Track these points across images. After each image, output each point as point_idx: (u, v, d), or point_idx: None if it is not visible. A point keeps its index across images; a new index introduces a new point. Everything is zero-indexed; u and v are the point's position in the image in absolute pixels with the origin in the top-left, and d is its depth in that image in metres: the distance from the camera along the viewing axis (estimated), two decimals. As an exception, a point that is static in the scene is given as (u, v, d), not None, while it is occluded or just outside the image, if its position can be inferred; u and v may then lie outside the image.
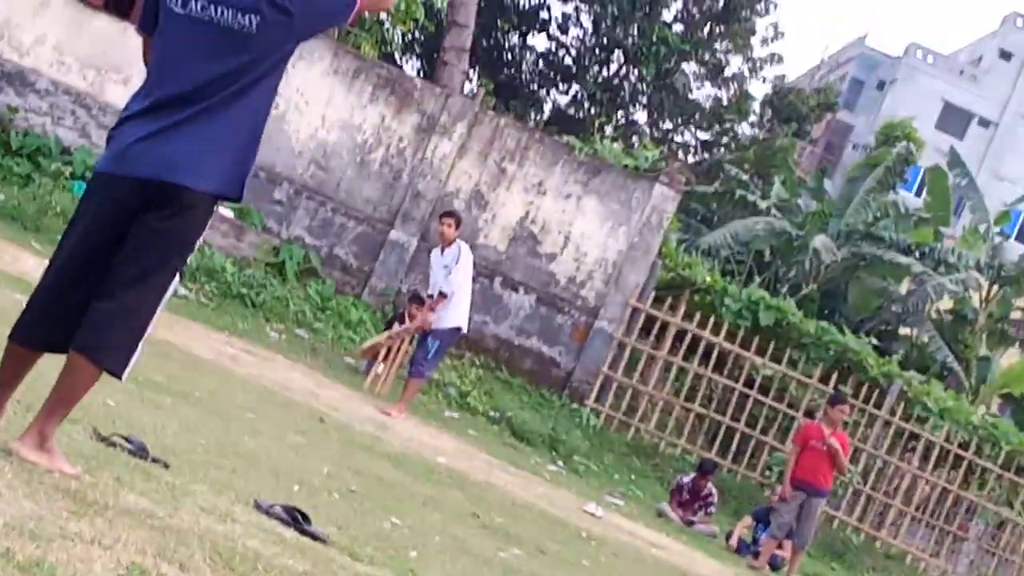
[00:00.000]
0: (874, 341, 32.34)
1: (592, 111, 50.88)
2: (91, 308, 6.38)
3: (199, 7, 6.36)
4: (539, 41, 52.70)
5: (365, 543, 8.23)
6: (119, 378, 6.60)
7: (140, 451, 7.83)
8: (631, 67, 50.80)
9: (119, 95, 25.57)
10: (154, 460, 7.82)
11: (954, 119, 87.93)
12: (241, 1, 6.35)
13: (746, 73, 52.99)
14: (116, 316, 6.41)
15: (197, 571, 5.73)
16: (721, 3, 51.24)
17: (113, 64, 25.86)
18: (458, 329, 19.34)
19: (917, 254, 38.79)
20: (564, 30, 52.12)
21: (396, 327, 21.50)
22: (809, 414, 26.48)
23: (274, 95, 6.72)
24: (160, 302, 6.60)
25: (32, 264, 17.66)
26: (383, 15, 38.71)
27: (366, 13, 6.57)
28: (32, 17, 25.82)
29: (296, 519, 7.71)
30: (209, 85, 6.39)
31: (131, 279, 6.40)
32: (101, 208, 6.46)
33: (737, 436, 27.87)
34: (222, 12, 6.34)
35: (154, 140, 6.33)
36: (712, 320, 27.79)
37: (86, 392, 6.62)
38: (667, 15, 50.84)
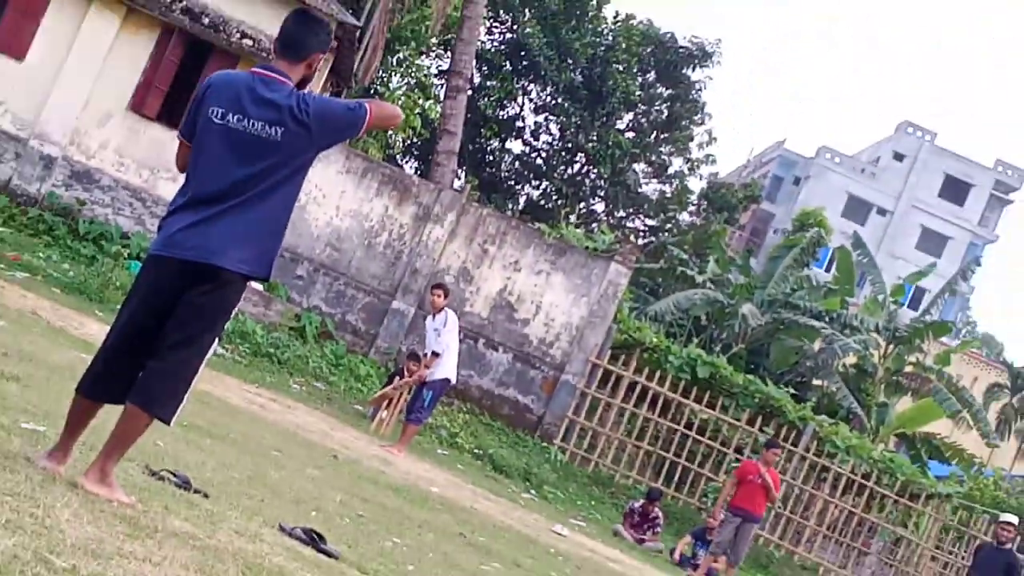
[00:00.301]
0: (792, 391, 32.41)
1: (559, 202, 50.97)
2: (146, 367, 6.45)
3: (235, 119, 6.43)
4: (515, 145, 52.85)
5: (371, 559, 8.21)
6: (168, 424, 6.63)
7: (184, 484, 7.80)
8: (591, 167, 50.92)
9: (169, 190, 25.59)
10: (196, 491, 7.79)
11: (857, 209, 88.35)
12: (268, 116, 6.43)
13: (685, 171, 53.21)
14: (166, 374, 6.45)
15: (231, 583, 5.71)
16: (665, 115, 51.50)
17: (164, 164, 25.85)
18: (447, 380, 19.33)
19: (827, 319, 38.87)
20: (536, 136, 52.26)
21: (398, 380, 21.54)
22: (755, 452, 26.50)
23: (297, 194, 6.71)
24: (202, 361, 6.64)
25: (95, 329, 17.62)
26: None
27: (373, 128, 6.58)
28: (97, 127, 25.86)
29: (314, 539, 7.69)
30: (242, 184, 6.45)
31: (178, 343, 6.45)
32: (153, 284, 6.53)
33: (679, 469, 27.89)
34: (253, 124, 6.42)
35: (196, 229, 6.39)
36: (658, 374, 27.89)
37: (140, 436, 6.63)
38: (620, 124, 51.02)
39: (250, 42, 25.79)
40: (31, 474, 6.25)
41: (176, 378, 6.50)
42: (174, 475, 7.87)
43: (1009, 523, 18.93)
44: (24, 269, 21.56)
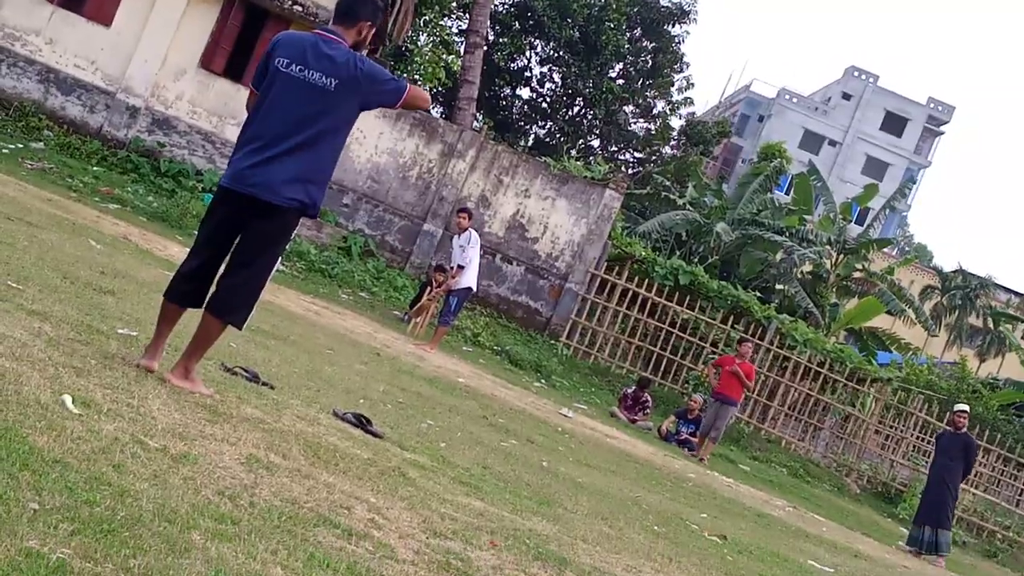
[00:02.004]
0: (758, 294, 32.37)
1: (561, 140, 50.76)
2: (219, 282, 6.56)
3: (297, 69, 6.45)
4: (524, 92, 52.54)
5: (410, 438, 8.26)
6: (239, 329, 6.73)
7: (254, 377, 7.85)
8: (588, 109, 50.64)
9: (234, 134, 25.53)
10: (263, 383, 7.85)
11: (811, 141, 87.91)
12: (326, 68, 6.45)
13: (667, 112, 52.83)
14: (236, 288, 6.55)
15: (294, 459, 5.76)
16: (650, 64, 51.12)
17: (230, 112, 25.80)
18: (469, 289, 19.25)
19: (787, 234, 38.79)
20: (541, 84, 51.94)
21: (429, 290, 21.57)
22: (728, 346, 26.56)
23: (342, 146, 6.70)
24: (267, 277, 6.70)
25: (176, 251, 17.62)
26: (416, 76, 38.67)
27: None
28: (173, 81, 25.76)
29: (362, 422, 7.75)
30: (299, 124, 6.43)
31: (246, 262, 6.54)
32: (223, 211, 6.57)
33: (664, 361, 27.96)
34: (312, 73, 6.44)
35: (258, 168, 6.41)
36: (647, 282, 27.90)
37: (216, 340, 6.71)
38: (612, 73, 50.69)
39: (300, 8, 25.61)
40: (127, 371, 6.29)
41: (245, 291, 6.59)
42: (245, 370, 7.92)
43: (963, 411, 19.00)
44: (116, 201, 21.57)
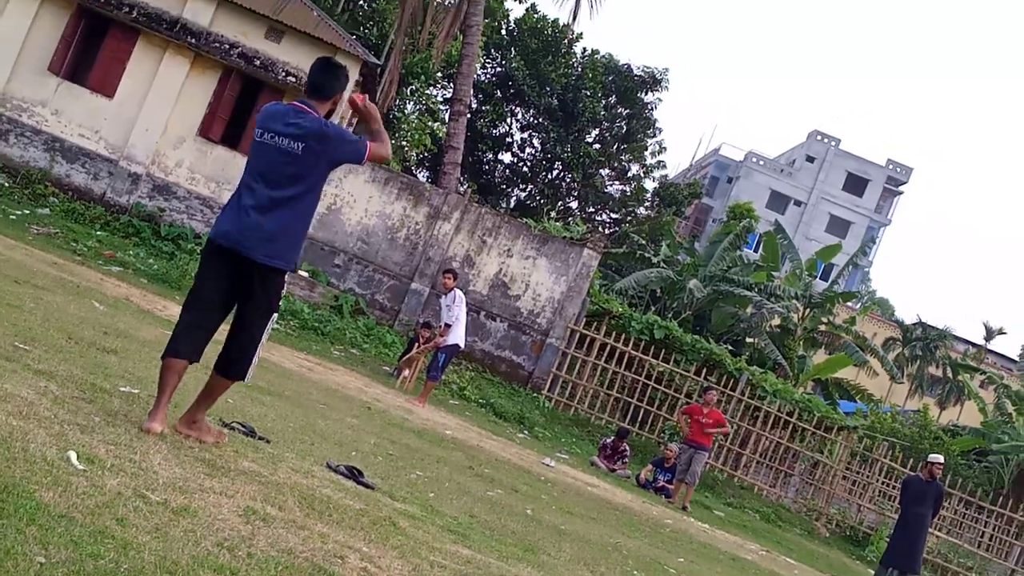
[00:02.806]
0: (729, 347, 32.46)
1: (541, 201, 50.94)
2: (226, 343, 6.78)
3: (269, 136, 6.63)
4: (505, 157, 52.74)
5: (400, 488, 8.22)
6: (243, 381, 6.88)
7: (250, 432, 7.83)
8: (566, 172, 50.87)
9: (228, 196, 25.56)
10: (260, 438, 7.82)
11: (778, 201, 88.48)
12: (293, 134, 6.59)
13: (641, 174, 53.10)
14: (238, 346, 6.77)
15: (290, 511, 5.73)
16: (624, 130, 51.43)
17: (227, 178, 25.87)
18: (456, 346, 19.22)
19: (756, 290, 38.87)
20: (522, 149, 52.14)
21: (416, 345, 21.51)
22: (700, 397, 26.56)
23: (315, 206, 6.82)
24: (264, 334, 6.84)
25: (176, 311, 17.58)
26: (403, 142, 38.82)
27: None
28: (173, 149, 25.84)
29: (354, 474, 7.72)
30: (273, 189, 6.59)
31: (242, 324, 6.76)
32: (208, 264, 6.73)
33: (641, 411, 27.90)
34: (280, 139, 6.59)
35: (240, 225, 6.56)
36: (624, 336, 27.88)
37: (221, 395, 6.95)
38: (589, 138, 50.96)
39: (294, 79, 25.75)
40: (129, 427, 6.27)
41: (245, 348, 6.76)
42: (242, 425, 7.90)
43: (939, 462, 18.86)
44: (118, 264, 21.54)
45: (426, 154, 46.59)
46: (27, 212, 23.15)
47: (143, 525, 4.47)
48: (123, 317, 13.13)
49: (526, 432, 23.09)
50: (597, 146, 51.10)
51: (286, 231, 6.60)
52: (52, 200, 24.52)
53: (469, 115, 38.88)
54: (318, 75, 6.92)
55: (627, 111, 51.68)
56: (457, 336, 19.11)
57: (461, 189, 36.71)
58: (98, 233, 23.64)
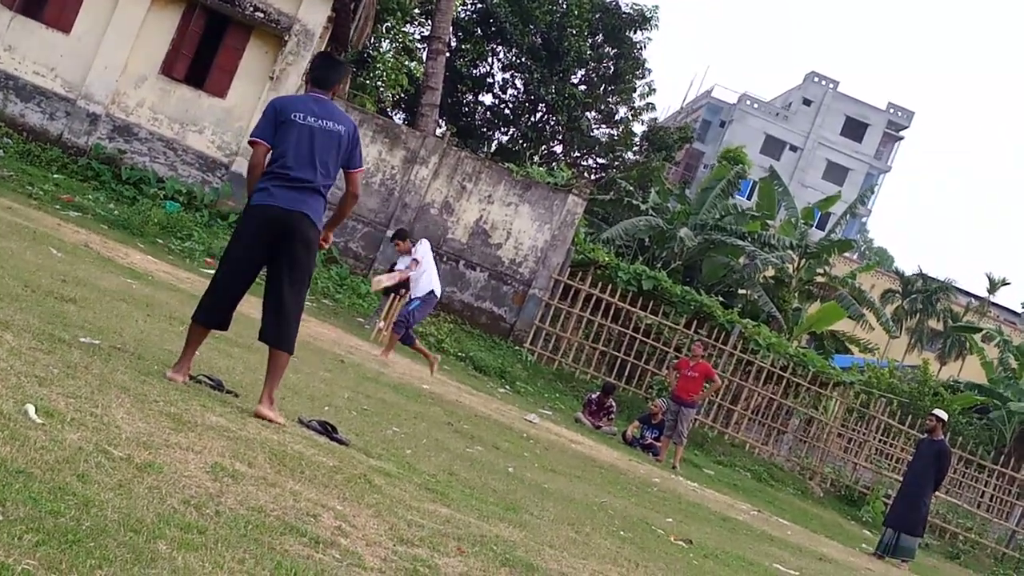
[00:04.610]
0: (721, 299, 32.56)
1: (524, 146, 50.76)
2: (272, 316, 7.44)
3: (313, 119, 7.49)
4: (487, 98, 52.47)
5: (375, 445, 8.25)
6: (290, 354, 7.53)
7: (218, 385, 7.85)
8: (550, 115, 50.69)
9: (196, 141, 25.56)
10: (228, 391, 7.84)
11: (772, 146, 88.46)
12: (337, 118, 7.58)
13: (630, 117, 52.91)
14: (288, 319, 7.48)
15: (260, 467, 5.74)
16: (612, 70, 51.21)
17: (191, 119, 25.72)
18: (432, 293, 18.62)
19: (749, 239, 38.92)
20: (504, 90, 51.90)
21: (393, 297, 21.09)
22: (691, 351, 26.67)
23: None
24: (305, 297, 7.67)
25: (138, 258, 17.55)
26: (378, 83, 38.61)
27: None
28: (134, 88, 25.65)
29: (327, 430, 7.75)
30: (323, 168, 7.48)
31: (290, 293, 7.43)
32: (255, 230, 7.40)
33: (628, 366, 28.01)
34: (326, 123, 7.52)
35: (294, 190, 7.38)
36: (610, 287, 27.94)
37: (285, 368, 7.55)
38: (574, 79, 50.76)
39: (262, 15, 25.54)
40: (90, 380, 6.25)
41: (296, 320, 7.56)
42: (209, 379, 7.90)
43: (933, 415, 18.99)
44: (76, 209, 21.44)
45: (402, 95, 46.30)
46: (-21, 154, 22.98)
47: (105, 482, 4.46)
48: (82, 265, 13.08)
49: (507, 387, 23.17)
50: (583, 87, 50.87)
51: (324, 204, 7.57)
52: (5, 141, 24.32)
53: (448, 54, 38.74)
54: (321, 69, 7.79)
55: (615, 51, 51.42)
56: (431, 282, 18.50)
57: (439, 132, 36.59)
58: (55, 176, 23.51)
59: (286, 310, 7.42)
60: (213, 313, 7.51)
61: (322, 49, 27.50)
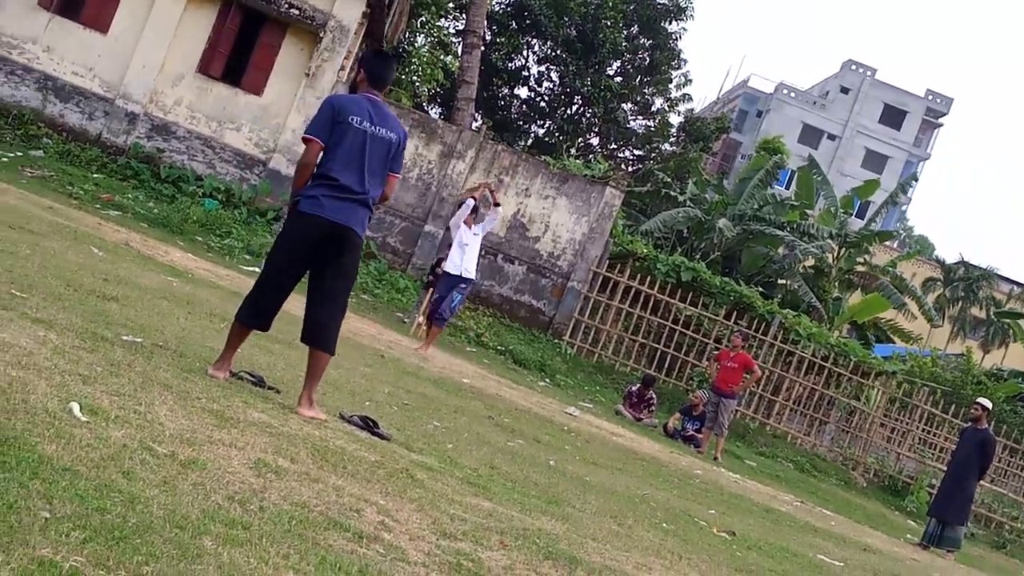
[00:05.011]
0: (761, 289, 32.44)
1: (560, 138, 50.72)
2: (316, 317, 7.47)
3: (369, 125, 7.50)
4: (522, 92, 52.45)
5: (416, 440, 8.26)
6: (332, 355, 7.55)
7: (259, 382, 7.88)
8: (586, 107, 50.60)
9: (233, 138, 25.64)
10: (269, 388, 7.87)
11: (810, 135, 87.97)
12: (391, 126, 7.62)
13: (666, 108, 52.75)
14: (333, 321, 7.52)
15: (302, 463, 5.75)
16: (647, 61, 51.06)
17: (228, 117, 25.83)
18: (471, 281, 18.24)
19: (789, 229, 38.74)
20: (539, 83, 51.87)
21: (431, 292, 21.17)
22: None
23: None
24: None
25: (178, 256, 17.65)
26: (414, 77, 38.63)
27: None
28: (172, 87, 25.77)
29: (369, 425, 7.76)
30: (371, 177, 7.50)
31: (335, 295, 7.49)
32: (303, 235, 7.39)
33: (668, 358, 27.94)
34: (380, 129, 7.55)
35: (345, 202, 7.40)
36: (649, 279, 27.88)
37: (325, 369, 7.56)
38: (610, 71, 50.64)
39: (297, 11, 25.62)
40: (133, 377, 6.29)
41: (336, 322, 7.55)
42: (251, 375, 7.93)
43: (978, 403, 18.76)
44: (116, 208, 21.59)
45: (438, 90, 46.29)
46: (19, 154, 23.17)
47: (150, 479, 4.49)
48: (123, 263, 13.16)
49: (547, 380, 23.16)
50: (619, 79, 50.75)
51: (373, 210, 7.63)
52: (46, 141, 24.51)
53: (483, 48, 38.70)
54: (380, 68, 7.81)
55: (650, 42, 51.27)
56: (453, 264, 18.15)
57: (476, 126, 36.62)
58: (95, 176, 23.67)
59: (329, 313, 7.47)
60: (256, 314, 7.53)
61: (358, 45, 27.58)
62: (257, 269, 19.22)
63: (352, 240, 7.43)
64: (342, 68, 26.31)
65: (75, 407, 5.09)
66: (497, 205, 18.31)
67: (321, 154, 7.43)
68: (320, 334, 7.44)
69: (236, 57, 26.15)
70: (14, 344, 5.97)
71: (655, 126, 52.34)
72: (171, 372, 6.87)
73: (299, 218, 7.40)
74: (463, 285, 17.94)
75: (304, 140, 7.50)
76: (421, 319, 21.07)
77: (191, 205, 23.61)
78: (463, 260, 17.88)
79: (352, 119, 7.44)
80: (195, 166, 25.71)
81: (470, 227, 18.08)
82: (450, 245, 18.32)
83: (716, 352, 24.11)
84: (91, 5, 25.67)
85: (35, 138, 24.59)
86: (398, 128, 7.67)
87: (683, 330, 27.96)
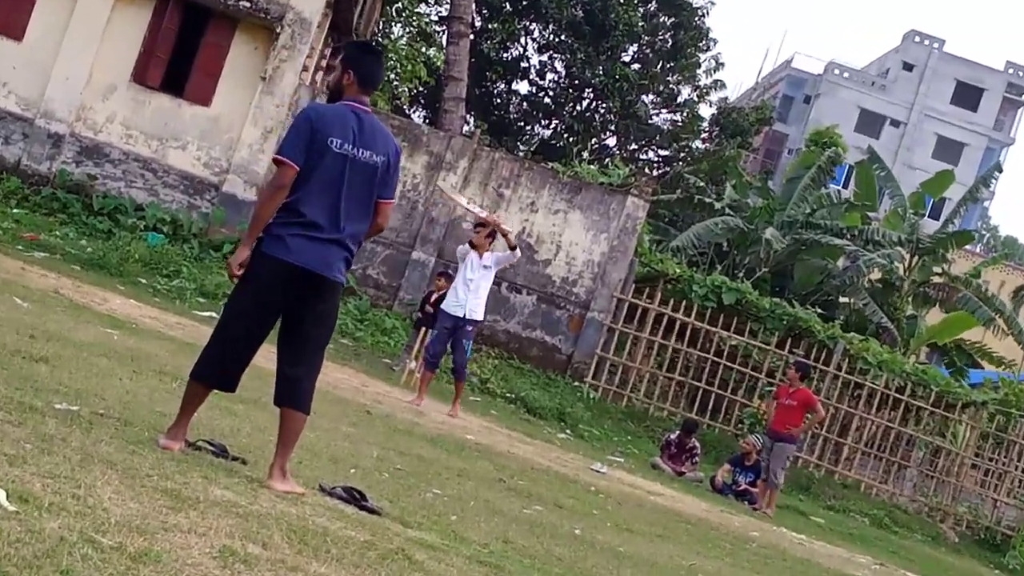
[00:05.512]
0: (819, 310, 32.42)
1: (570, 140, 50.88)
2: (290, 373, 7.45)
3: (355, 149, 7.42)
4: (522, 86, 52.66)
5: (413, 512, 8.24)
6: (308, 413, 7.56)
7: (221, 452, 7.86)
8: (599, 102, 50.78)
9: (178, 158, 25.75)
10: (234, 458, 7.85)
11: (870, 122, 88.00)
12: (379, 147, 7.54)
13: (695, 99, 52.96)
14: (309, 377, 7.52)
15: (277, 548, 5.73)
16: (670, 44, 51.22)
17: (172, 133, 25.91)
18: (478, 322, 18.42)
19: (848, 236, 38.75)
20: (542, 76, 52.07)
21: (423, 331, 21.29)
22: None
23: None
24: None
25: (119, 303, 17.64)
26: (391, 75, 38.76)
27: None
28: (102, 100, 25.86)
29: (355, 497, 7.74)
30: (356, 208, 7.49)
31: (312, 348, 7.53)
32: (270, 284, 7.35)
33: (712, 397, 27.92)
34: (366, 154, 7.46)
35: (316, 244, 7.35)
36: (684, 304, 27.87)
37: (301, 431, 7.53)
38: (626, 56, 50.77)
39: (247, 4, 25.69)
40: (69, 454, 6.27)
41: (313, 378, 7.57)
42: (211, 444, 7.91)
43: None
44: (42, 248, 21.63)
45: (421, 88, 46.45)
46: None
47: (94, 577, 4.46)
48: (53, 315, 13.17)
49: (568, 431, 23.13)
50: (636, 67, 50.90)
51: (356, 247, 7.67)
52: (-46, 173, 24.58)
53: (472, 37, 38.84)
54: (372, 66, 7.79)
55: (672, 20, 51.42)
56: (456, 302, 18.01)
57: (468, 130, 36.71)
58: (15, 211, 23.71)
59: (303, 369, 7.47)
60: (219, 372, 7.49)
61: (322, 41, 27.67)
62: (213, 314, 19.11)
63: (327, 287, 7.44)
64: (304, 69, 26.39)
65: (1, 495, 5.07)
66: (513, 248, 18.30)
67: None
68: (292, 392, 7.43)
69: (177, 62, 26.22)
70: (-76, 421, 5.96)
71: (683, 120, 52.49)
72: (115, 445, 6.85)
73: (262, 260, 7.35)
74: (468, 328, 17.91)
75: (276, 162, 7.45)
76: (413, 365, 21.06)
77: (131, 241, 23.64)
78: (468, 297, 17.88)
79: (331, 141, 7.35)
80: (134, 194, 25.75)
81: (480, 256, 18.01)
82: (442, 274, 18.38)
83: (773, 388, 24.06)
84: (1, 8, 25.73)
85: (-59, 170, 24.66)
86: (389, 146, 7.62)
87: (728, 363, 27.92)
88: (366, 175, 7.46)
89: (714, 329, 27.76)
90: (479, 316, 18.17)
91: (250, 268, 7.41)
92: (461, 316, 17.80)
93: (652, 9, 51.07)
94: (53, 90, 25.66)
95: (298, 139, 7.36)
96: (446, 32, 37.97)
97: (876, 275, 42.07)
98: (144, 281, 22.12)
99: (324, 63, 30.23)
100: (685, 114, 52.68)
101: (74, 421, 7.29)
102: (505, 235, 18.25)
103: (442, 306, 18.28)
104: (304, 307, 7.39)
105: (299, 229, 7.30)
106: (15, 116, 25.63)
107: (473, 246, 18.18)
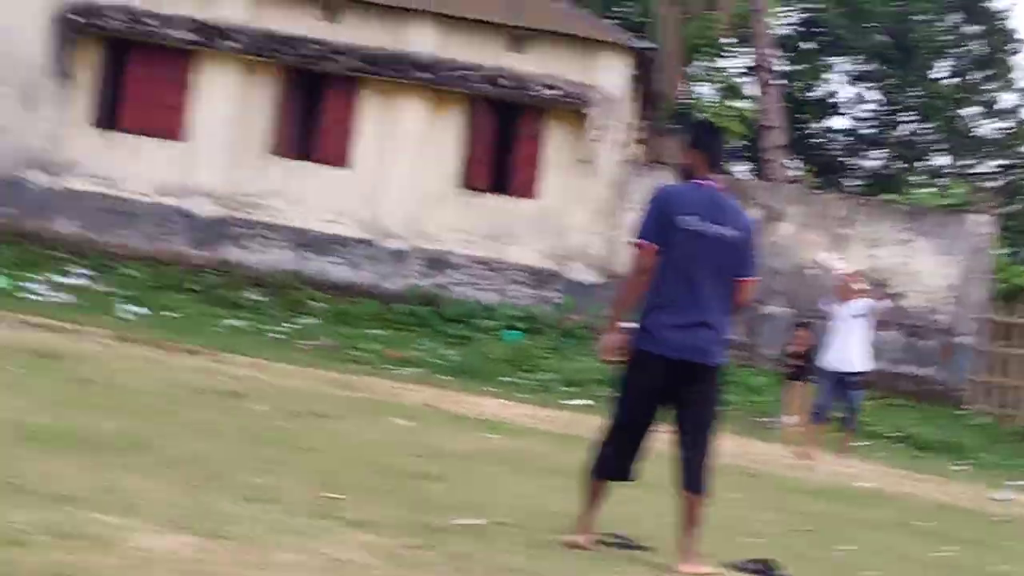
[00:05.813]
0: None
1: (899, 167, 49.89)
2: (681, 455, 7.45)
3: (704, 224, 7.33)
4: (836, 122, 51.93)
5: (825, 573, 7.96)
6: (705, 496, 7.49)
7: (625, 542, 7.82)
8: (920, 123, 49.69)
9: (517, 254, 25.96)
10: (639, 547, 7.80)
11: None
12: (734, 223, 7.44)
13: (1020, 102, 51.28)
14: (704, 458, 7.44)
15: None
16: (982, 52, 49.80)
17: (504, 231, 26.18)
18: (839, 372, 18.24)
19: None
20: (856, 107, 51.31)
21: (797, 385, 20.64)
22: None
23: None
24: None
25: (490, 406, 17.80)
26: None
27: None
28: (434, 211, 26.31)
29: (766, 569, 7.71)
30: (710, 291, 7.36)
31: (699, 429, 7.44)
32: (648, 377, 7.37)
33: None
34: (718, 228, 7.35)
35: (684, 332, 7.31)
36: (1057, 312, 26.80)
37: (699, 513, 7.43)
38: (938, 73, 49.61)
39: (553, 91, 25.85)
40: (476, 570, 6.24)
41: (708, 459, 7.47)
42: (615, 536, 7.89)
43: None
44: (407, 365, 22.09)
45: (742, 143, 46.09)
46: (290, 326, 24.04)
47: None
48: (432, 430, 13.35)
49: (960, 462, 22.27)
50: (952, 81, 49.57)
51: (723, 329, 7.53)
52: (314, 305, 25.35)
53: (780, 82, 38.36)
54: (716, 145, 7.87)
55: (977, 28, 49.99)
56: (835, 357, 18.01)
57: (794, 175, 36.22)
58: (375, 331, 24.31)
59: (693, 451, 7.43)
60: (615, 466, 7.55)
61: (635, 112, 27.70)
62: (580, 402, 19.46)
63: (706, 372, 7.41)
64: (621, 144, 26.39)
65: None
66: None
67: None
68: (684, 473, 7.43)
69: (497, 162, 26.58)
70: (345, 560, 6.04)
71: (1017, 126, 50.69)
72: (521, 553, 6.83)
73: (637, 358, 7.40)
74: (854, 379, 17.68)
75: (633, 246, 7.48)
76: (792, 420, 20.48)
77: (486, 342, 23.97)
78: (845, 348, 17.64)
79: (679, 219, 7.32)
80: (482, 296, 26.09)
81: (848, 304, 17.84)
82: (802, 324, 18.17)
83: None
84: (324, 140, 26.54)
85: (299, 303, 25.46)
86: (742, 221, 7.55)
87: None
88: (721, 250, 7.35)
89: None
90: (858, 365, 17.83)
91: (629, 368, 7.48)
92: (843, 370, 17.65)
93: (956, 21, 49.80)
94: (387, 209, 26.29)
95: (650, 220, 7.39)
96: (758, 82, 37.62)
97: None
98: (507, 379, 22.36)
99: (639, 136, 30.20)
100: (1015, 120, 50.98)
101: (481, 536, 7.34)
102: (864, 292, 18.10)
103: (824, 361, 17.91)
104: (687, 392, 7.38)
105: (664, 317, 7.34)
106: (357, 240, 26.32)
107: (841, 295, 17.90)
